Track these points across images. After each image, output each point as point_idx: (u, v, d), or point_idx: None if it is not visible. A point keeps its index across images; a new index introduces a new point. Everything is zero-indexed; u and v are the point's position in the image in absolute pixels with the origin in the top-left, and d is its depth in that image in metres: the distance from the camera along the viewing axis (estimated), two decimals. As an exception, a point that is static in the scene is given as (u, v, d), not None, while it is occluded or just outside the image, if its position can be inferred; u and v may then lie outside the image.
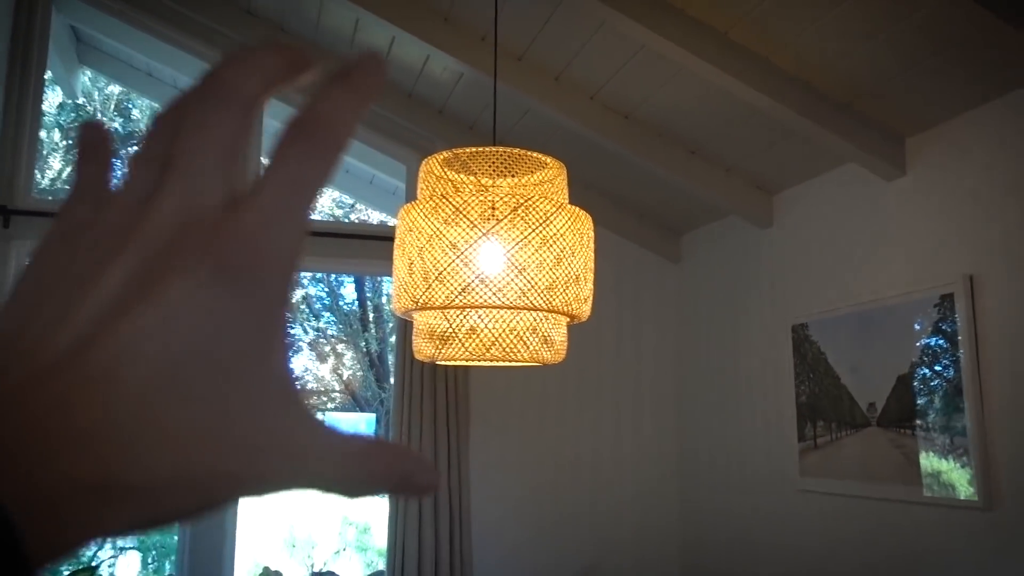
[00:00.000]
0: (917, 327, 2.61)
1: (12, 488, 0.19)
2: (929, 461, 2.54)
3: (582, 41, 2.88)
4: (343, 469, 0.25)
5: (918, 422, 2.60)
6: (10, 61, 3.43)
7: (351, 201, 6.07)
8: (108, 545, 8.33)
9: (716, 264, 3.85)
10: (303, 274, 6.41)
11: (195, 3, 3.52)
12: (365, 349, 7.46)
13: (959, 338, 2.45)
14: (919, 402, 2.60)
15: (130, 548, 8.68)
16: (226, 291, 0.23)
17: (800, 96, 2.65)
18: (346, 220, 6.46)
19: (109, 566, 8.17)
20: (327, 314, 7.69)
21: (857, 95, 2.64)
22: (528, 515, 3.83)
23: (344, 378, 7.80)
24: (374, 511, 7.73)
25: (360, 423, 8.34)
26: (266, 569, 7.31)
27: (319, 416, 0.25)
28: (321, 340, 7.64)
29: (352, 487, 0.25)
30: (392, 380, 3.75)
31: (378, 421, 7.62)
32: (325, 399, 8.33)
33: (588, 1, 2.48)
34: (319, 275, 6.67)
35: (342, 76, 0.26)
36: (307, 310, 7.53)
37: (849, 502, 2.89)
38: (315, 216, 6.53)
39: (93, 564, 3.65)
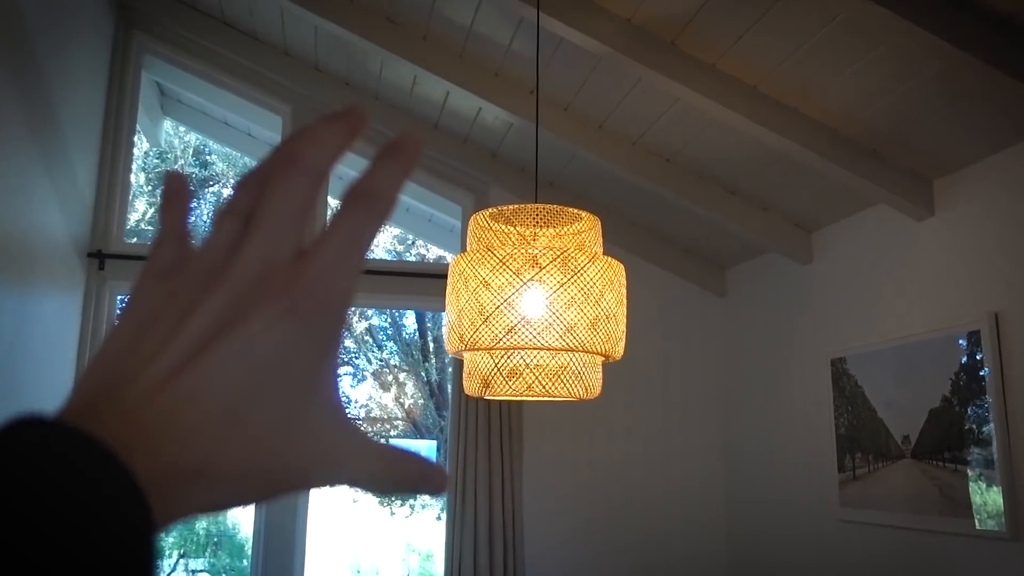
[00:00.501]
0: (947, 362, 2.72)
1: (138, 469, 0.24)
2: (960, 493, 2.64)
3: (621, 94, 3.09)
4: (376, 469, 0.31)
5: (948, 454, 2.69)
6: (105, 118, 3.79)
7: (412, 238, 6.35)
8: (181, 569, 8.71)
9: (759, 298, 3.98)
10: (368, 308, 6.70)
11: (267, 61, 3.84)
12: (426, 378, 7.71)
13: (985, 373, 2.55)
14: (950, 435, 2.69)
15: (201, 571, 9.04)
16: (295, 325, 0.28)
17: (827, 143, 2.81)
18: (407, 255, 6.75)
19: (183, 588, 8.54)
20: (390, 344, 7.98)
21: (882, 141, 2.78)
22: (579, 543, 3.99)
23: (405, 406, 8.06)
24: (435, 539, 7.92)
25: (421, 450, 8.60)
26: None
27: (361, 429, 0.32)
28: (384, 369, 7.92)
29: (382, 485, 0.32)
30: (449, 409, 3.97)
31: (438, 449, 7.85)
32: (388, 427, 8.61)
33: (624, 60, 2.69)
34: (386, 309, 6.96)
35: (388, 153, 0.33)
36: (371, 340, 7.82)
37: (886, 532, 2.98)
38: (378, 254, 6.81)
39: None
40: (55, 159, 3.14)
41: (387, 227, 7.09)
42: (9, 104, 2.61)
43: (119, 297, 3.82)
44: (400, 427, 8.38)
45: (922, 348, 2.84)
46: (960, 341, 2.67)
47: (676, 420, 4.19)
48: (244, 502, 0.29)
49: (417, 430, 8.10)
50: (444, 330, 2.05)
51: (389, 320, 7.80)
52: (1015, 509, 2.45)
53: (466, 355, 2.06)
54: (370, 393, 8.30)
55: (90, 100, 3.60)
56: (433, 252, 6.57)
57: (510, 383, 1.96)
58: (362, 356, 7.91)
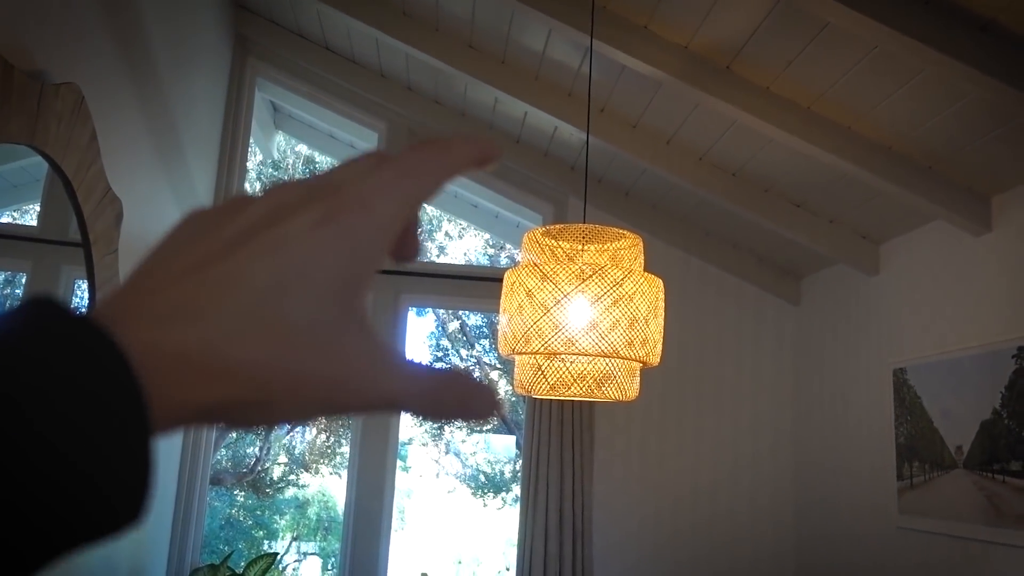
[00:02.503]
0: (998, 376, 2.77)
1: (136, 347, 0.23)
2: (1007, 504, 2.69)
3: (684, 114, 3.26)
4: (420, 389, 0.29)
5: (997, 466, 2.75)
6: (223, 135, 4.24)
7: (502, 243, 6.65)
8: (294, 550, 9.31)
9: (830, 308, 4.05)
10: (463, 309, 7.05)
11: (364, 83, 4.20)
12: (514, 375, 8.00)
13: (1033, 388, 2.60)
14: (998, 447, 2.75)
15: (311, 554, 9.63)
16: (331, 232, 0.27)
17: (882, 161, 2.90)
18: (499, 259, 7.06)
19: (294, 569, 9.13)
20: (484, 342, 8.32)
21: (937, 159, 2.85)
22: (647, 536, 4.17)
23: (495, 402, 8.38)
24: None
25: (509, 444, 8.90)
26: (424, 575, 7.97)
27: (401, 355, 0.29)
28: (476, 367, 8.28)
29: (427, 406, 0.29)
30: (526, 405, 4.22)
31: (517, 443, 8.14)
32: (482, 422, 8.95)
33: (682, 85, 2.87)
34: (478, 311, 7.29)
35: (470, 137, 0.33)
36: (464, 338, 8.18)
37: (940, 540, 3.04)
38: (472, 259, 7.10)
39: (275, 552, 4.34)
40: (177, 173, 3.57)
41: (479, 232, 7.41)
42: (137, 122, 3.03)
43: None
44: (492, 423, 8.73)
45: (976, 361, 2.90)
46: (1011, 355, 2.73)
47: (747, 424, 4.31)
48: (271, 415, 0.27)
49: (506, 425, 8.41)
50: (498, 335, 2.30)
51: (484, 319, 8.13)
52: (1057, 522, 2.50)
53: (516, 358, 2.30)
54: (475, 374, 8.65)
55: (209, 118, 4.04)
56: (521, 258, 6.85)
57: (551, 384, 2.19)
58: (455, 353, 8.28)
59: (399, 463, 10.08)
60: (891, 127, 2.80)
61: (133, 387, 0.22)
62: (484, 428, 8.94)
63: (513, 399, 7.92)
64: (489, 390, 0.31)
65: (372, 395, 0.28)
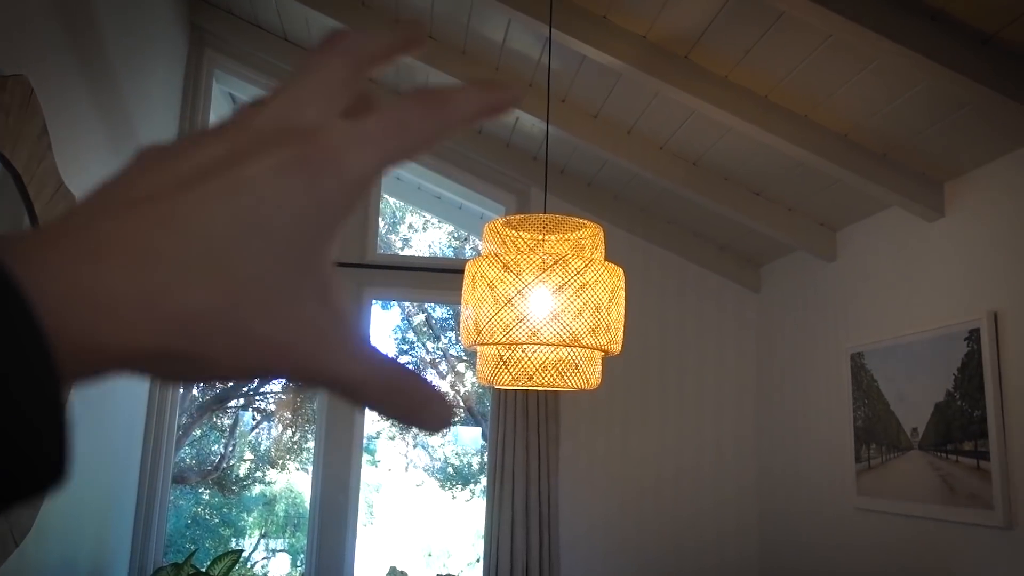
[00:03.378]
0: (951, 358, 2.84)
1: (50, 285, 0.21)
2: (960, 483, 2.76)
3: (644, 103, 3.28)
4: (371, 378, 0.26)
5: (950, 447, 2.82)
6: (180, 126, 4.17)
7: (466, 234, 6.64)
8: (262, 547, 9.24)
9: (790, 294, 4.11)
10: (428, 302, 7.03)
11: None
12: (483, 368, 8.02)
13: (984, 369, 2.67)
14: (952, 428, 2.82)
15: (280, 551, 9.57)
16: (302, 181, 0.25)
17: (839, 149, 2.95)
18: (464, 251, 7.05)
19: (263, 567, 9.06)
20: (451, 334, 8.30)
21: (892, 146, 2.90)
22: (613, 525, 4.21)
23: (461, 394, 8.39)
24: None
25: (476, 435, 8.92)
26: (393, 569, 7.96)
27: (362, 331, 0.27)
28: (443, 359, 8.27)
29: (375, 397, 0.27)
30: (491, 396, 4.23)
31: (483, 434, 8.16)
32: (427, 432, 8.95)
33: (641, 75, 2.89)
34: (443, 303, 7.27)
35: (479, 86, 0.30)
36: (429, 331, 8.17)
37: (896, 520, 3.11)
38: (437, 251, 7.09)
39: (240, 549, 4.31)
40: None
41: (443, 224, 7.39)
42: (89, 115, 2.97)
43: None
44: (460, 415, 8.73)
45: (929, 344, 2.96)
46: (963, 338, 2.79)
47: (710, 410, 4.36)
48: (202, 371, 0.24)
49: (473, 417, 8.42)
50: (460, 327, 2.30)
51: (450, 311, 8.12)
52: (1008, 500, 2.56)
53: (478, 348, 2.30)
54: (432, 382, 8.65)
55: (165, 111, 3.98)
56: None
57: (513, 374, 2.20)
58: (421, 346, 8.27)
59: (367, 457, 10.05)
60: (847, 115, 2.84)
61: (33, 330, 0.20)
62: (452, 420, 8.94)
63: (480, 390, 7.93)
64: (445, 403, 0.29)
65: (317, 370, 0.26)
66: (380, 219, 6.05)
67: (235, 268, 0.24)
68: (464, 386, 8.25)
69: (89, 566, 3.29)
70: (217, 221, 0.24)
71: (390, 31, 0.30)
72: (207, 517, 9.25)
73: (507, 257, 2.17)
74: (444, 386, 8.47)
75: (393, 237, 7.48)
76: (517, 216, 2.31)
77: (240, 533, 9.32)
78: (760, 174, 3.51)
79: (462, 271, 2.27)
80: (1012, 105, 2.35)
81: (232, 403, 8.27)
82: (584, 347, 2.15)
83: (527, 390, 4.07)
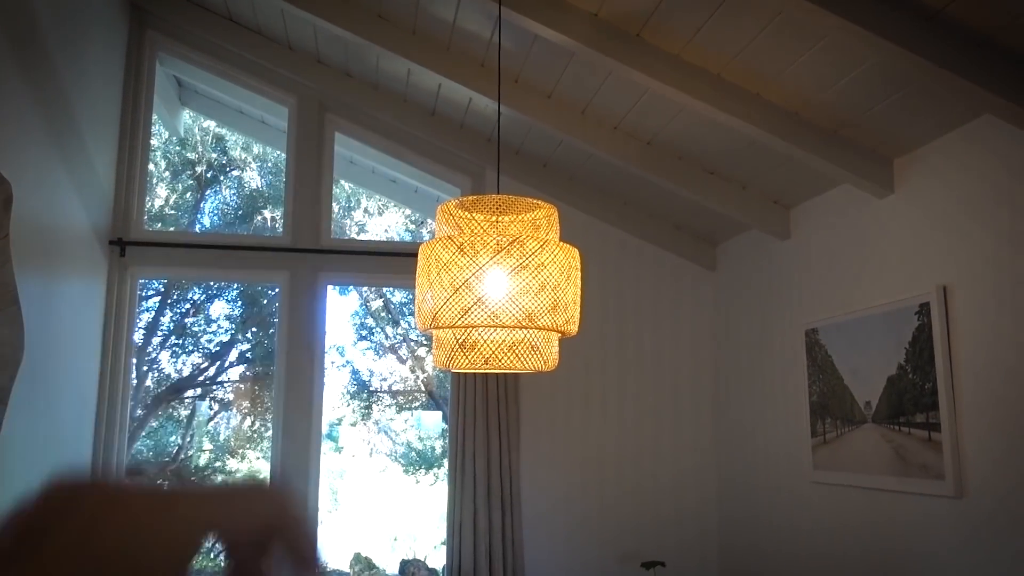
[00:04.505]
0: (902, 332, 2.88)
1: None
2: (912, 455, 2.81)
3: (598, 82, 3.26)
4: None
5: (903, 419, 2.86)
6: (122, 111, 4.05)
7: (423, 218, 6.58)
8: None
9: (745, 273, 4.14)
10: (385, 286, 6.97)
11: (272, 56, 4.06)
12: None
13: (934, 342, 2.71)
14: (903, 401, 2.86)
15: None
16: None
17: (790, 126, 2.96)
18: (422, 233, 6.99)
19: (225, 556, 8.96)
20: (411, 318, 8.25)
21: (842, 123, 2.92)
22: (575, 504, 4.22)
23: (422, 379, 8.34)
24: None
25: (438, 420, 8.89)
26: (357, 555, 7.93)
27: None
28: (403, 343, 8.21)
29: None
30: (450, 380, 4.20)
31: (444, 418, 8.13)
32: (411, 399, 8.91)
33: (593, 54, 2.86)
34: (400, 287, 7.21)
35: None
36: (388, 316, 8.09)
37: (852, 492, 3.16)
38: (392, 235, 7.00)
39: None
40: (72, 151, 3.39)
41: (399, 208, 7.31)
42: (23, 98, 2.86)
43: (140, 282, 4.10)
44: (421, 400, 8.68)
45: (881, 319, 3.00)
46: (913, 312, 2.83)
47: (668, 389, 4.39)
48: None
49: (434, 401, 8.38)
50: (416, 309, 2.27)
51: (409, 296, 8.06)
52: (958, 470, 2.62)
53: (434, 331, 2.27)
54: (393, 367, 8.59)
55: (106, 95, 3.85)
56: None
57: (469, 356, 2.18)
58: (379, 331, 8.19)
59: (330, 444, 9.97)
60: (797, 92, 2.85)
61: None
62: (414, 405, 8.89)
63: (440, 374, 7.90)
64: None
65: None
66: (334, 203, 5.96)
67: None
68: (424, 371, 8.20)
69: (39, 564, 3.20)
70: None
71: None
72: (167, 509, 9.11)
73: (461, 239, 2.14)
74: (404, 371, 8.43)
75: (348, 222, 7.39)
76: (470, 197, 2.28)
77: (202, 524, 9.20)
78: (714, 153, 3.51)
79: (415, 254, 2.24)
80: (959, 82, 2.37)
81: (189, 393, 8.13)
82: (540, 328, 2.13)
83: (486, 373, 4.06)
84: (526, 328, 2.13)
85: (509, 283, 2.10)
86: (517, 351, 2.20)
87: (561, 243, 2.20)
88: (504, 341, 2.20)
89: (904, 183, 2.96)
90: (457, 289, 2.11)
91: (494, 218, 2.34)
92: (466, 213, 2.33)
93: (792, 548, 3.60)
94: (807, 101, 2.88)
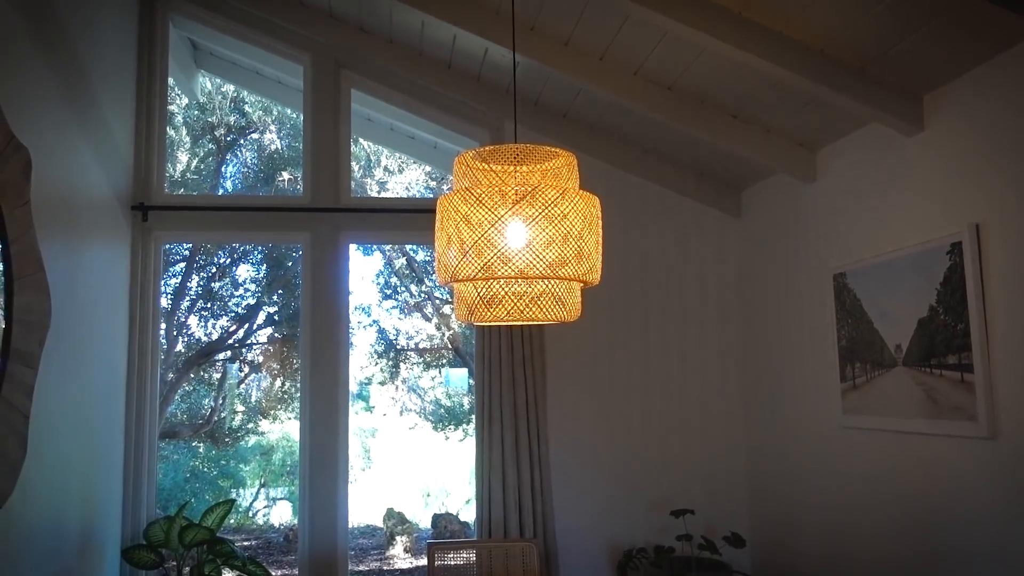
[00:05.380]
0: (933, 273, 2.82)
1: None
2: (944, 397, 2.77)
3: (616, 27, 3.18)
4: None
5: (934, 361, 2.82)
6: (137, 75, 4.03)
7: (443, 174, 6.54)
8: (263, 497, 9.32)
9: (771, 218, 4.07)
10: (408, 244, 6.97)
11: (285, 13, 4.01)
12: (468, 308, 7.96)
13: (967, 282, 2.65)
14: (935, 343, 2.81)
15: (281, 499, 9.65)
16: None
17: (815, 64, 2.87)
18: (442, 191, 6.95)
19: (264, 515, 9.15)
20: (435, 276, 8.27)
21: (869, 60, 2.83)
22: (603, 454, 4.23)
23: (448, 336, 8.37)
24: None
25: (465, 376, 8.95)
26: (390, 510, 8.06)
27: None
28: (427, 302, 8.23)
29: None
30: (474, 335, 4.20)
31: (470, 375, 8.16)
32: (438, 356, 8.96)
33: (610, -4, 2.78)
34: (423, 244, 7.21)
35: None
36: (412, 274, 8.11)
37: (882, 436, 3.13)
38: (413, 192, 6.98)
39: (232, 499, 4.30)
40: (89, 116, 3.39)
41: (418, 165, 7.26)
42: (36, 64, 2.85)
43: (165, 247, 4.11)
44: (448, 356, 8.72)
45: (911, 260, 2.94)
46: (945, 252, 2.76)
47: (694, 338, 4.36)
48: None
49: (460, 358, 8.42)
50: (435, 263, 2.25)
51: (432, 254, 8.06)
52: (992, 411, 2.57)
53: (455, 285, 2.26)
54: (419, 326, 8.63)
55: (120, 59, 3.83)
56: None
57: (492, 310, 2.16)
58: (404, 290, 8.21)
59: (362, 403, 10.08)
60: (822, 29, 2.76)
61: None
62: (441, 362, 8.94)
63: (467, 331, 7.92)
64: None
65: None
66: (354, 163, 5.94)
67: None
68: (450, 328, 8.23)
69: (79, 525, 3.29)
70: None
71: None
72: (205, 470, 9.30)
73: (479, 191, 2.11)
74: (430, 328, 8.46)
75: (368, 180, 7.36)
76: (488, 148, 2.24)
77: (240, 484, 9.38)
78: (736, 95, 3.43)
79: (435, 211, 2.21)
80: (990, 9, 2.28)
81: (219, 356, 8.24)
82: (562, 279, 2.11)
83: (511, 327, 4.05)
84: (548, 278, 2.11)
85: (529, 233, 2.07)
86: (539, 302, 2.18)
87: (581, 191, 2.16)
88: (526, 293, 2.18)
89: (934, 119, 2.87)
90: (476, 241, 2.09)
91: (512, 168, 2.30)
92: (484, 164, 2.30)
93: (822, 493, 3.59)
94: (832, 38, 2.79)
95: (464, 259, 2.10)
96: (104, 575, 3.55)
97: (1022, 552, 2.46)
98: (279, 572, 5.97)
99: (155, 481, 3.97)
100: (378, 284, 8.15)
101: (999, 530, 2.55)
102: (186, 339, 7.80)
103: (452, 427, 9.36)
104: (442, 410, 9.62)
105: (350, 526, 4.16)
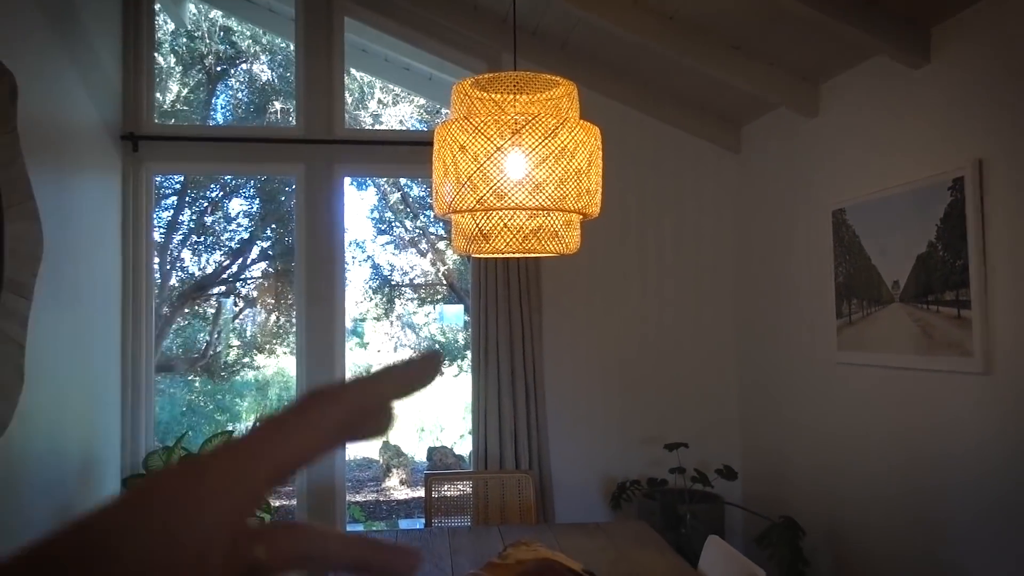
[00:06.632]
0: (933, 209, 2.80)
1: None
2: (940, 333, 2.78)
3: (618, -48, 3.08)
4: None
5: (932, 297, 2.82)
6: (124, 2, 3.91)
7: (438, 107, 6.43)
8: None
9: (771, 153, 4.03)
10: (400, 177, 6.88)
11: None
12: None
13: (967, 218, 2.63)
14: (933, 279, 2.81)
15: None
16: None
17: (822, -7, 2.79)
18: (435, 124, 6.85)
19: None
20: (429, 212, 8.20)
21: (877, -11, 2.75)
22: (598, 389, 4.27)
23: (442, 272, 8.36)
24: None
25: (459, 312, 8.96)
26: (385, 443, 8.16)
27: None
28: (423, 237, 8.19)
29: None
30: (469, 269, 4.18)
31: (466, 310, 8.18)
32: (432, 292, 8.95)
33: (612, -81, 2.69)
34: (418, 178, 7.13)
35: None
36: (407, 209, 8.04)
37: (877, 372, 3.15)
38: (408, 125, 6.88)
39: (231, 429, 4.34)
40: (75, 42, 3.30)
41: (412, 97, 7.14)
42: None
43: (157, 179, 4.05)
44: (443, 292, 8.72)
45: (912, 196, 2.92)
46: (946, 188, 2.74)
47: (690, 272, 4.36)
48: None
49: (456, 294, 8.43)
50: (432, 195, 2.22)
51: (427, 189, 7.98)
52: (987, 347, 2.58)
53: (453, 216, 2.23)
54: (413, 262, 8.60)
55: (108, -15, 3.71)
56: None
57: (491, 241, 2.14)
58: (399, 225, 8.16)
59: (356, 339, 10.12)
60: (830, -44, 2.68)
61: None
62: (435, 298, 8.95)
63: (461, 267, 7.90)
64: (410, 556, 0.32)
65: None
66: (347, 95, 5.82)
67: None
68: (445, 264, 8.21)
69: (79, 454, 3.31)
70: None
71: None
72: (201, 404, 9.37)
73: (477, 119, 2.07)
74: (425, 264, 8.44)
75: (361, 112, 7.24)
76: (486, 75, 2.18)
77: (235, 418, 9.46)
78: (739, 26, 3.35)
79: (431, 143, 2.17)
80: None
81: (213, 291, 8.22)
82: (561, 210, 2.08)
83: (506, 261, 4.03)
84: (546, 210, 2.08)
85: (527, 164, 2.03)
86: (539, 235, 2.16)
87: (582, 121, 2.12)
88: (524, 225, 2.15)
89: (941, 52, 2.82)
90: (474, 172, 2.05)
91: (512, 97, 2.25)
92: (482, 92, 2.25)
93: (815, 428, 3.63)
94: (841, -35, 2.71)
95: (462, 190, 2.07)
96: (104, 504, 3.59)
97: (1013, 486, 2.50)
98: (277, 503, 6.07)
99: (153, 412, 3.99)
100: (372, 219, 8.09)
101: (992, 465, 2.59)
102: (180, 274, 7.77)
103: (447, 363, 9.42)
104: (436, 346, 9.67)
105: (347, 458, 4.21)
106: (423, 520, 3.54)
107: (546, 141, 2.03)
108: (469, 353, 4.25)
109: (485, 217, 2.16)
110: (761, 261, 4.11)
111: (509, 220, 2.15)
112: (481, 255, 2.26)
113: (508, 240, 2.15)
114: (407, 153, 4.14)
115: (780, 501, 3.92)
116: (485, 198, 2.02)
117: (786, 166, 3.87)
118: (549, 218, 2.18)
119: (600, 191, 2.18)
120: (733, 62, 3.53)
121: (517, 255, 2.25)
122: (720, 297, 4.38)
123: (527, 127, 2.03)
